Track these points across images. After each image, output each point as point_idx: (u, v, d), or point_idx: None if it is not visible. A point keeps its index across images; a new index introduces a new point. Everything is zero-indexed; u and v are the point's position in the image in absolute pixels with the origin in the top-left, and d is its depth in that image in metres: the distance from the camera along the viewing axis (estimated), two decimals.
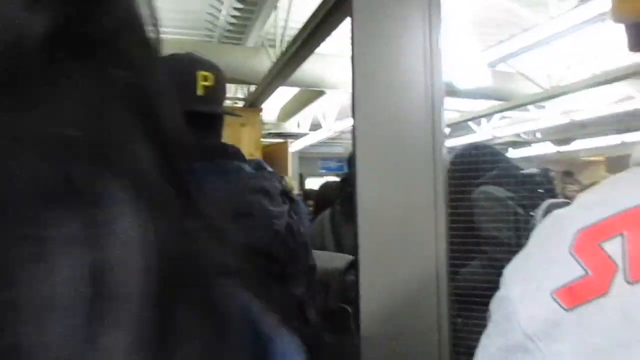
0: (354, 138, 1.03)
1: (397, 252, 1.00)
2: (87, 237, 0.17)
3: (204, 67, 1.01)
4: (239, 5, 4.12)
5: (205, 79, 0.99)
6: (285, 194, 1.06)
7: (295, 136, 8.17)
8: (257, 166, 1.06)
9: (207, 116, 1.00)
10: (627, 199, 0.29)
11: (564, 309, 0.28)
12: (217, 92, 1.02)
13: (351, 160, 1.91)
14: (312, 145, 9.54)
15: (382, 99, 1.02)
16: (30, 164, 0.16)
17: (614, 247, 0.28)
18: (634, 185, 0.31)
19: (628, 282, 0.27)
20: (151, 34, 0.24)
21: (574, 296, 0.28)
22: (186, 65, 1.00)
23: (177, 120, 0.23)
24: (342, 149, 11.54)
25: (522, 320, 0.29)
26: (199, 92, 0.98)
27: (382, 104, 1.02)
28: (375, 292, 1.00)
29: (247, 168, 1.03)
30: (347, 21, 2.17)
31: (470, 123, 8.07)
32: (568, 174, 4.29)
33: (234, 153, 1.03)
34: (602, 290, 0.27)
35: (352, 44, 1.02)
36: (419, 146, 1.01)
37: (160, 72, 0.23)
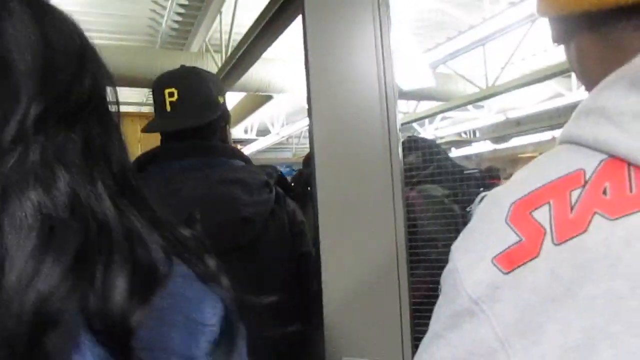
0: (311, 137, 1.05)
1: (358, 245, 1.03)
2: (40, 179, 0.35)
3: (168, 84, 1.09)
4: (181, 10, 4.05)
5: (171, 94, 1.08)
6: (282, 185, 1.15)
7: (244, 142, 8.10)
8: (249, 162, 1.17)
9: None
10: (552, 172, 0.33)
11: (503, 273, 0.31)
12: (186, 103, 1.08)
13: (308, 160, 1.94)
14: (260, 151, 9.49)
15: (337, 98, 1.04)
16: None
17: (542, 215, 0.31)
18: (558, 160, 0.34)
19: (554, 244, 0.30)
20: (110, 101, 0.43)
21: (510, 261, 0.31)
22: (156, 87, 1.11)
23: (123, 160, 0.42)
24: (291, 154, 11.55)
25: (468, 286, 0.32)
26: (167, 108, 1.08)
27: (337, 102, 1.04)
28: (337, 283, 1.02)
29: (236, 163, 1.11)
30: (293, 26, 2.19)
31: (414, 124, 8.33)
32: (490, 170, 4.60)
33: (222, 150, 1.11)
34: (533, 253, 0.30)
35: (305, 45, 1.04)
36: (375, 141, 1.03)
37: (113, 126, 0.43)
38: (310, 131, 1.05)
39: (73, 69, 0.39)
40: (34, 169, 0.35)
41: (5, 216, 0.33)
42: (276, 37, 2.30)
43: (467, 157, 10.38)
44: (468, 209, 1.61)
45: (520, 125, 9.04)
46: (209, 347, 0.37)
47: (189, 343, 0.37)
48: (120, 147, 0.43)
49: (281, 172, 1.20)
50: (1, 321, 0.30)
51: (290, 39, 3.26)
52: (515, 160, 10.53)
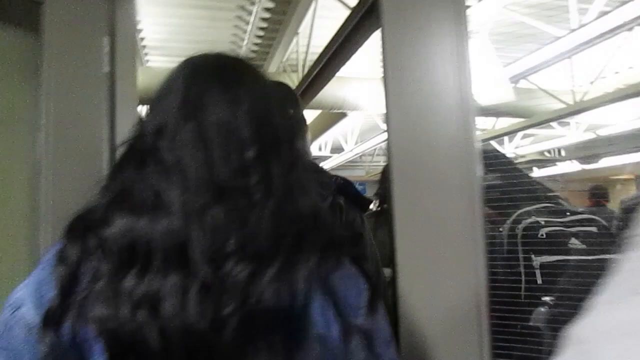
0: (389, 155, 1.02)
1: (436, 267, 0.98)
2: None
3: None
4: (261, 33, 4.25)
5: None
6: (346, 194, 1.16)
7: (318, 159, 8.23)
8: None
9: None
10: None
11: None
12: None
13: (385, 174, 1.90)
14: (333, 169, 9.58)
15: (415, 113, 1.01)
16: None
17: None
18: None
19: None
20: None
21: None
22: None
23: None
24: (364, 171, 11.54)
25: None
26: None
27: (415, 118, 1.01)
28: (414, 309, 0.98)
29: None
30: (367, 44, 2.20)
31: (492, 141, 7.99)
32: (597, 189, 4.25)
33: None
34: None
35: (384, 60, 1.02)
36: (453, 161, 1.00)
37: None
38: (389, 149, 1.03)
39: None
40: (304, 180, 0.60)
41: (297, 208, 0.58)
42: (351, 55, 2.34)
43: (552, 178, 9.74)
44: (501, 229, 1.50)
45: (613, 144, 8.37)
46: (365, 301, 0.59)
47: (357, 297, 0.59)
48: (317, 166, 0.70)
49: (347, 182, 1.17)
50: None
51: (364, 58, 3.29)
52: (607, 182, 9.71)
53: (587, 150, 8.91)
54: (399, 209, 0.99)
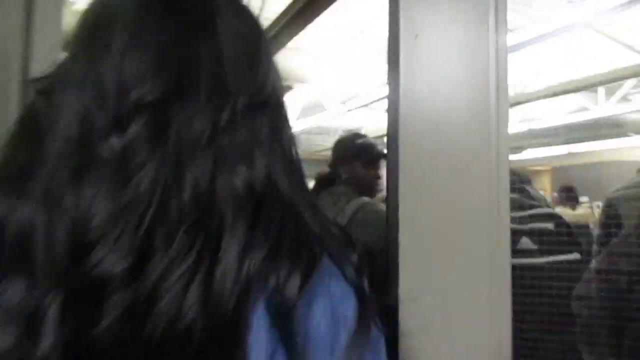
0: (393, 149, 0.81)
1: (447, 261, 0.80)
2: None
3: None
4: None
5: None
6: None
7: None
8: None
9: None
10: None
11: None
12: None
13: (338, 156, 1.78)
14: None
15: (435, 96, 0.81)
16: None
17: None
18: None
19: None
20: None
21: None
22: None
23: (292, 145, 0.47)
24: (300, 150, 11.36)
25: None
26: None
27: (431, 106, 0.81)
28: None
29: None
30: (325, 14, 2.03)
31: None
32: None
33: None
34: None
35: (393, 27, 0.81)
36: (476, 156, 0.83)
37: (285, 117, 0.49)
38: (393, 138, 0.81)
39: (267, 66, 0.47)
40: (241, 147, 0.41)
41: (218, 185, 0.38)
42: (309, 22, 2.17)
43: None
44: None
45: (538, 137, 8.83)
46: (347, 338, 0.39)
47: (333, 332, 0.39)
48: (290, 134, 0.48)
49: None
50: (217, 287, 0.36)
51: (315, 27, 3.11)
52: (527, 173, 10.27)
53: (516, 142, 9.35)
54: (405, 206, 0.78)
